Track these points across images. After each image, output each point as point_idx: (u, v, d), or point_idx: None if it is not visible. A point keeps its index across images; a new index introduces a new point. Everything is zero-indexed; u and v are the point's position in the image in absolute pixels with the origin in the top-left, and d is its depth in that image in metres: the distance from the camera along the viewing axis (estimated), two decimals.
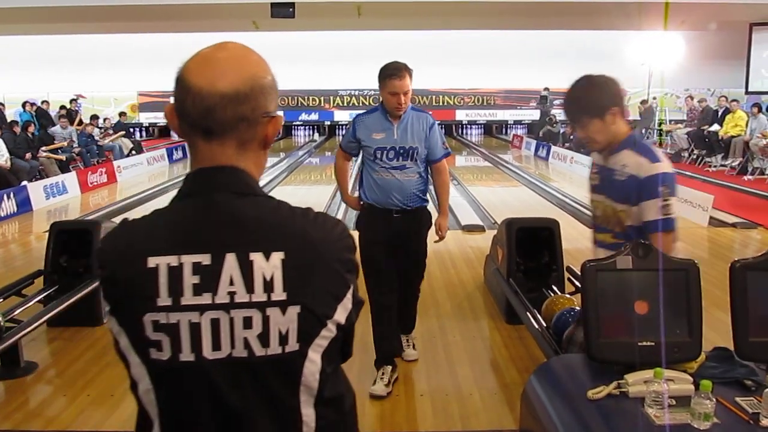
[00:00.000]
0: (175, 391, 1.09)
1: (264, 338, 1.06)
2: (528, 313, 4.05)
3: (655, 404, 1.91)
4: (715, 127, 14.01)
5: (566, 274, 4.67)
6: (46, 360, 4.22)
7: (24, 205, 9.62)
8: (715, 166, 13.58)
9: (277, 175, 13.88)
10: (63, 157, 12.73)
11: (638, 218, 2.43)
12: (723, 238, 7.68)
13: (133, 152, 15.73)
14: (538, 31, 19.09)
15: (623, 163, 2.43)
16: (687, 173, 13.04)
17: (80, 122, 15.63)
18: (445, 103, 22.15)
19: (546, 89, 18.90)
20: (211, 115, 1.08)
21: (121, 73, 21.44)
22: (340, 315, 1.12)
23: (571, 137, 17.39)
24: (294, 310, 1.07)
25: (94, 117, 16.06)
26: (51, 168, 12.14)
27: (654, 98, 18.34)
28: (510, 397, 3.48)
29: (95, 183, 12.00)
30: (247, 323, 1.06)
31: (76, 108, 17.39)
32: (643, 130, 17.30)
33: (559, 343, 3.44)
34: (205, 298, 1.05)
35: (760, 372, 2.17)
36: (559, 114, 19.67)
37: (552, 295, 4.28)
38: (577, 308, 3.57)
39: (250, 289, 1.06)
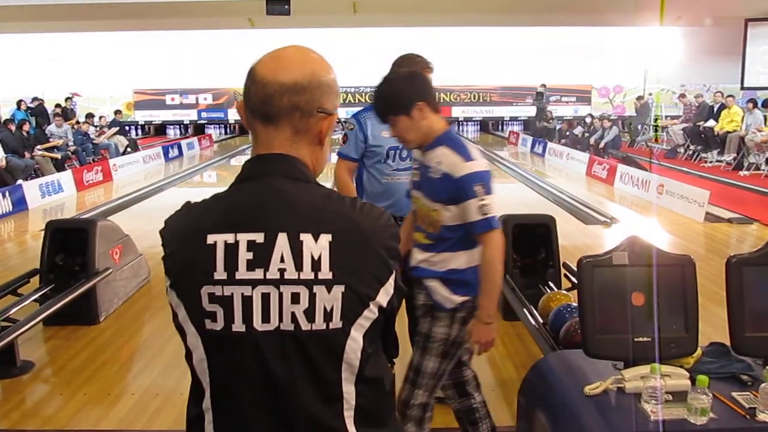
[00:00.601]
0: (226, 360, 1.16)
1: (310, 314, 1.14)
2: (525, 310, 4.06)
3: (652, 399, 1.91)
4: (711, 122, 14.02)
5: (563, 271, 4.67)
6: (43, 359, 4.20)
7: (19, 204, 9.58)
8: (711, 162, 13.59)
9: None
10: (58, 156, 12.69)
11: (456, 219, 2.30)
12: (719, 233, 7.69)
13: (129, 150, 15.68)
14: (535, 27, 19.08)
15: (438, 160, 2.30)
16: (683, 169, 13.06)
17: (76, 120, 15.59)
18: (441, 100, 22.10)
19: (542, 86, 18.87)
20: (269, 102, 1.18)
21: (117, 71, 21.38)
22: (382, 298, 1.18)
23: (567, 133, 17.42)
24: (339, 290, 1.14)
25: (90, 115, 16.03)
26: (46, 166, 12.10)
27: (650, 94, 18.36)
28: (507, 394, 3.48)
29: (91, 181, 11.96)
30: (295, 299, 1.13)
31: (72, 106, 17.36)
32: (639, 126, 17.32)
33: (556, 340, 3.44)
34: (258, 274, 1.13)
35: (756, 367, 2.18)
36: (555, 110, 19.70)
37: (549, 291, 4.28)
38: (574, 304, 3.57)
39: (299, 267, 1.13)
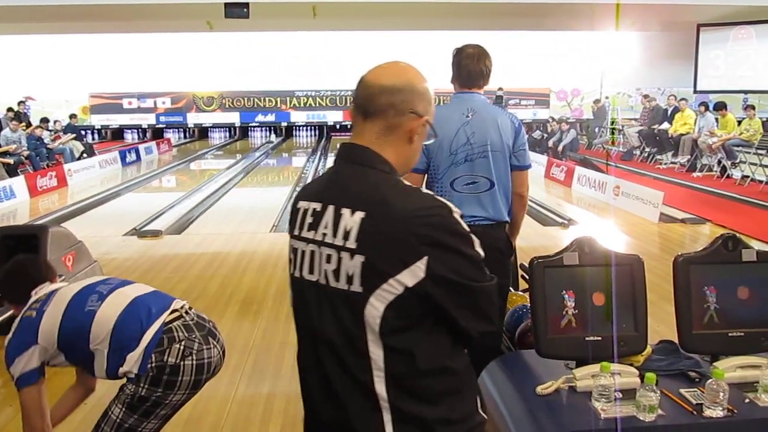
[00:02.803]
0: (296, 297, 1.50)
1: (336, 274, 1.38)
2: None
3: (602, 398, 1.93)
4: (665, 125, 14.33)
5: (520, 272, 4.71)
6: None
7: None
8: (665, 164, 13.89)
9: (234, 176, 13.73)
10: (11, 161, 12.38)
11: None
12: (673, 233, 7.85)
13: (85, 155, 15.36)
14: (492, 31, 19.26)
15: None
16: (638, 170, 13.31)
17: (29, 124, 15.22)
18: None
19: (500, 89, 19.04)
20: (370, 100, 1.42)
21: (72, 74, 20.97)
22: (407, 278, 1.33)
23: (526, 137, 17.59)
24: (359, 259, 1.35)
25: (44, 119, 15.67)
26: None
27: (606, 97, 18.66)
28: None
29: (45, 187, 11.69)
30: (328, 259, 1.39)
31: (25, 110, 16.94)
32: (597, 129, 17.60)
33: (512, 340, 3.46)
34: (311, 234, 1.43)
35: (703, 363, 2.22)
36: (513, 113, 19.88)
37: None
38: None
39: (334, 234, 1.38)
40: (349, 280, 1.35)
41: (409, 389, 1.36)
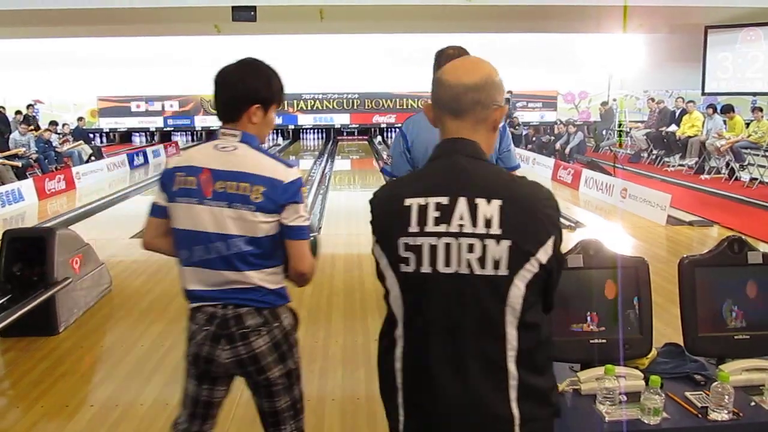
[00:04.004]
0: (415, 295, 1.49)
1: (482, 261, 1.43)
2: None
3: (607, 401, 1.93)
4: (673, 127, 14.28)
5: None
6: (0, 371, 4.11)
7: None
8: (673, 166, 13.84)
9: None
10: (20, 164, 12.45)
11: None
12: (680, 236, 7.82)
13: (93, 158, 15.43)
14: (501, 34, 19.25)
15: None
16: (646, 173, 13.27)
17: (37, 128, 15.30)
18: (409, 106, 22.13)
19: (509, 92, 19.03)
20: (457, 99, 1.51)
21: (81, 78, 21.07)
22: (542, 255, 1.44)
23: (534, 139, 17.59)
24: (506, 243, 1.42)
25: (53, 123, 15.74)
26: (6, 175, 11.86)
27: (614, 100, 18.61)
28: None
29: (53, 190, 11.74)
30: (470, 249, 1.43)
31: (34, 113, 17.03)
32: (604, 131, 17.55)
33: None
34: (442, 228, 1.45)
35: (709, 366, 2.21)
36: (521, 116, 19.88)
37: None
38: None
39: (474, 223, 1.43)
40: (496, 265, 1.42)
41: (531, 362, 1.47)
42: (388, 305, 1.55)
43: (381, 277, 1.54)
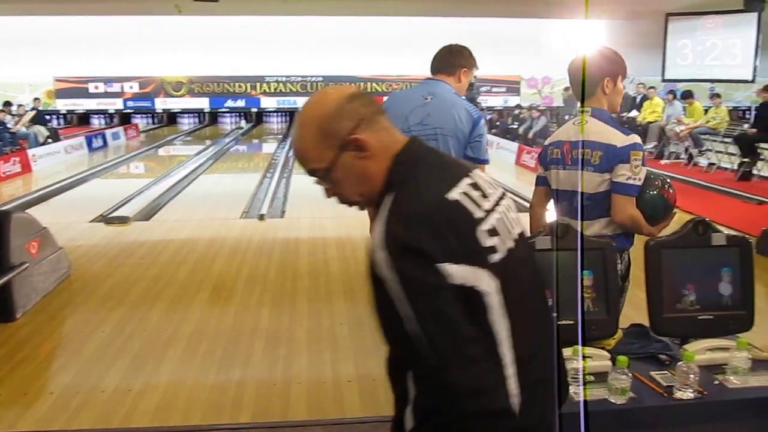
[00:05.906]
0: (510, 279, 1.31)
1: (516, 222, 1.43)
2: None
3: (574, 381, 1.94)
4: (634, 113, 14.47)
5: None
6: None
7: None
8: None
9: (203, 162, 13.57)
10: None
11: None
12: None
13: (50, 140, 15.05)
14: (463, 18, 19.25)
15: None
16: None
17: None
18: (373, 90, 22.07)
19: (474, 77, 19.10)
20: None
21: (37, 57, 20.48)
22: None
23: (498, 123, 17.68)
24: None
25: (7, 103, 15.30)
26: None
27: None
28: None
29: (8, 173, 11.43)
30: (508, 209, 1.42)
31: None
32: (567, 116, 17.70)
33: None
34: (488, 203, 1.36)
35: (674, 346, 2.24)
36: (485, 101, 19.96)
37: None
38: None
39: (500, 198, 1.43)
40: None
41: None
42: (481, 327, 1.25)
43: (470, 294, 1.24)
